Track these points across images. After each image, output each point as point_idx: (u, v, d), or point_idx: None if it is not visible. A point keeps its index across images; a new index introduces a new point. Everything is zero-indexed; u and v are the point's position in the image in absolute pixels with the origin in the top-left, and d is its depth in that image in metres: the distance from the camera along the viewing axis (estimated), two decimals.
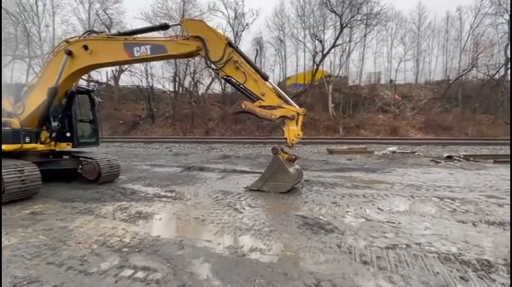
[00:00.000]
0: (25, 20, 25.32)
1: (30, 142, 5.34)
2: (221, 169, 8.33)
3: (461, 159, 9.82)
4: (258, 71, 5.17)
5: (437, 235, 3.23)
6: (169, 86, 28.97)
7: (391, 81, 29.48)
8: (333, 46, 25.67)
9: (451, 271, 2.42)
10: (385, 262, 2.59)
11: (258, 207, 4.44)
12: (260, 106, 4.87)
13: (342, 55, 27.15)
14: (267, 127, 21.20)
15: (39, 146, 5.62)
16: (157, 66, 28.19)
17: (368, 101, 25.59)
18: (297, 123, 4.94)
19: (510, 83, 21.67)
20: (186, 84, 27.63)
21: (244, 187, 5.64)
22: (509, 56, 22.76)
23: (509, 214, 3.97)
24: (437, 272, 2.40)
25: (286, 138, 5.03)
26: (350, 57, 28.27)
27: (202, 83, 28.09)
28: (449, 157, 10.05)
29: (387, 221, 3.70)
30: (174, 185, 6.11)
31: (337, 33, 25.28)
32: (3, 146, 5.14)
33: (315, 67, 26.30)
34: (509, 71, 23.63)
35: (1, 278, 1.86)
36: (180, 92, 28.17)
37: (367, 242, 3.05)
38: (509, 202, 4.59)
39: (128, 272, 2.43)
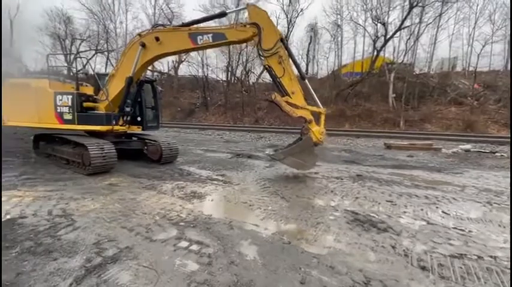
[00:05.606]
0: (105, 18, 29.22)
1: (116, 125, 6.27)
2: (269, 157, 8.44)
3: None
4: (299, 68, 5.78)
5: None
6: (222, 76, 30.22)
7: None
8: (399, 29, 22.83)
9: None
10: (448, 271, 2.32)
11: (304, 198, 4.39)
12: (286, 102, 5.25)
13: (408, 39, 24.00)
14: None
15: (122, 128, 6.57)
16: (212, 56, 29.59)
17: (438, 92, 22.36)
18: (319, 122, 5.38)
19: None
20: (238, 73, 28.38)
21: (266, 153, 5.69)
22: None
23: None
24: None
25: (312, 138, 5.42)
26: (419, 41, 24.90)
27: (253, 72, 28.48)
28: None
29: (454, 228, 3.27)
30: (224, 169, 6.45)
31: (405, 13, 22.41)
32: (97, 127, 6.08)
33: (375, 53, 23.97)
34: None
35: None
36: (232, 81, 29.09)
37: (427, 247, 2.76)
38: None
39: (184, 243, 2.70)
